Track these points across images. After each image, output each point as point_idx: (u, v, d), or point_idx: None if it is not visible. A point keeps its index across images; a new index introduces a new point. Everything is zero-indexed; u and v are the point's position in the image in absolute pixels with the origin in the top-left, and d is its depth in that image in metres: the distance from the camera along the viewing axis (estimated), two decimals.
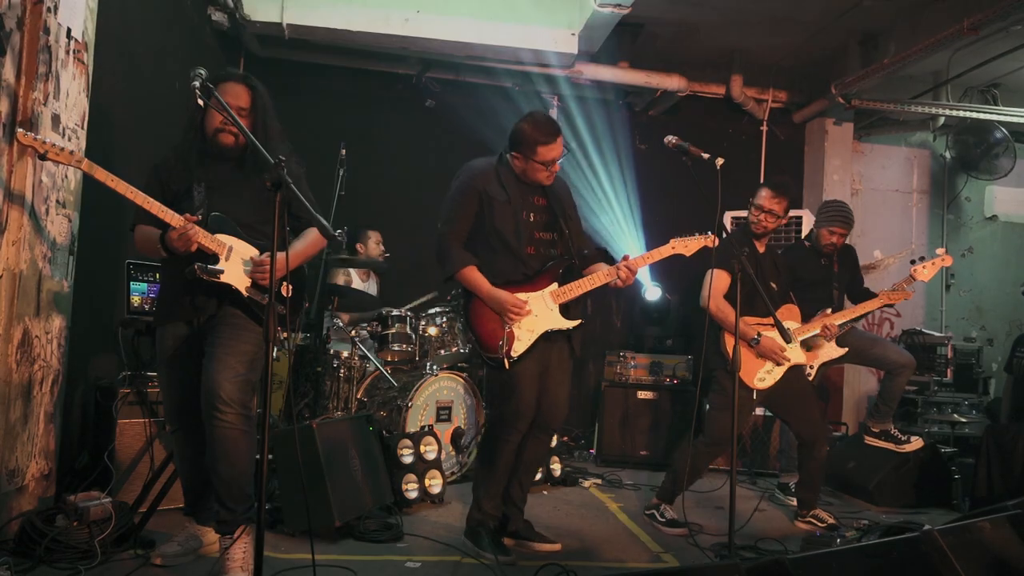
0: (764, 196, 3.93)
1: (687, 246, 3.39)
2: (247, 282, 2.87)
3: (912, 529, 2.39)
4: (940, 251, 4.40)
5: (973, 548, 2.32)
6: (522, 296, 3.21)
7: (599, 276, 3.28)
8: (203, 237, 2.77)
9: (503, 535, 3.37)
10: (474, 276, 3.21)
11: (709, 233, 3.37)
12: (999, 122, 6.57)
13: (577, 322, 3.32)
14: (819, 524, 3.98)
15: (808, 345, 4.12)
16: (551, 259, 3.32)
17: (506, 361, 3.17)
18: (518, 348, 3.19)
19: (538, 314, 3.24)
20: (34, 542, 2.80)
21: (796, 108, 6.87)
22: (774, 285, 3.93)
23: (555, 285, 3.28)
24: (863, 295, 4.61)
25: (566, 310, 3.29)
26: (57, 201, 3.16)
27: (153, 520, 3.21)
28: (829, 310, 4.26)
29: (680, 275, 6.02)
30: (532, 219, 3.31)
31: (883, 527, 3.68)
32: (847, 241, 4.66)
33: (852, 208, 4.63)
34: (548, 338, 3.27)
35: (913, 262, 4.42)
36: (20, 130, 2.62)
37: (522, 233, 3.26)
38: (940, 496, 4.66)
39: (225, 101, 2.71)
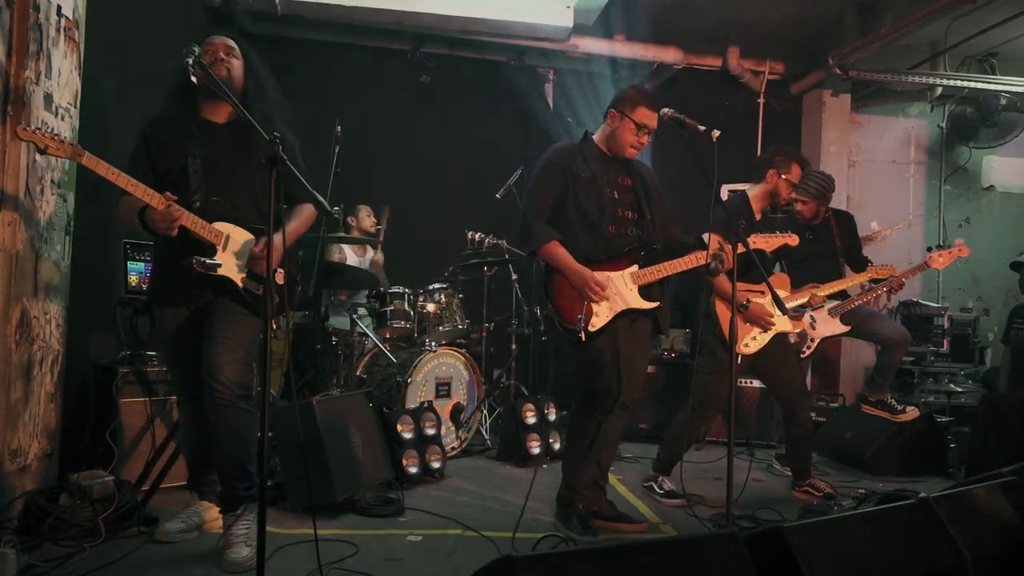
0: (799, 173, 3.94)
1: (768, 242, 3.53)
2: (242, 273, 2.85)
3: (908, 497, 2.42)
4: (958, 241, 4.37)
5: (968, 515, 2.34)
6: (603, 275, 3.21)
7: (686, 260, 3.31)
8: (201, 228, 2.74)
9: (593, 517, 3.35)
10: (558, 251, 3.20)
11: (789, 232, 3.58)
12: (997, 91, 6.54)
13: (655, 304, 3.32)
14: (816, 493, 4.01)
15: (795, 314, 4.12)
16: (632, 239, 3.31)
17: (583, 334, 3.17)
18: (596, 323, 3.19)
19: (617, 292, 3.23)
20: (38, 520, 2.82)
21: (793, 80, 6.82)
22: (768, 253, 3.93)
23: (636, 267, 3.28)
24: (861, 263, 4.61)
25: (645, 292, 3.29)
26: (52, 181, 3.15)
27: (156, 498, 3.24)
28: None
29: None
30: (616, 196, 3.32)
31: (879, 495, 3.72)
32: (846, 209, 4.63)
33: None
34: (632, 317, 3.28)
35: (930, 249, 4.41)
36: (20, 125, 2.55)
37: (605, 209, 3.26)
38: (936, 465, 4.69)
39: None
